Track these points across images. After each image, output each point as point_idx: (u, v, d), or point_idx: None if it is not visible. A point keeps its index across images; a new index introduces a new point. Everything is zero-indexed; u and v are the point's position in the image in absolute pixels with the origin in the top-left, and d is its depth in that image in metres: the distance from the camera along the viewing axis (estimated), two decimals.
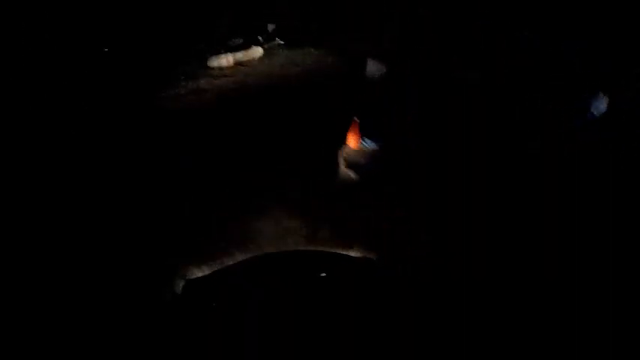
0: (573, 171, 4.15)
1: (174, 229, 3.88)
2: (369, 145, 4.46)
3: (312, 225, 3.85)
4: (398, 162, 4.36)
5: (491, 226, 3.80)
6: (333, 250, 3.71)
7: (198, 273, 3.62)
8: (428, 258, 3.65)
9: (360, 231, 3.80)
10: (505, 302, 3.35)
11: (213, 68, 6.09)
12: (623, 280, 3.41)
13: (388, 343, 3.16)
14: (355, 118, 4.52)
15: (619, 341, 3.12)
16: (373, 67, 5.54)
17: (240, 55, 6.22)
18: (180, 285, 3.55)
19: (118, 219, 3.98)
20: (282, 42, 6.61)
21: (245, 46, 6.37)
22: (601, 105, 4.67)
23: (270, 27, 6.77)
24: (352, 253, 3.68)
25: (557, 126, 4.61)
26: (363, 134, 4.48)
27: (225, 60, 6.14)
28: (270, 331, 3.24)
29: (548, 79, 5.11)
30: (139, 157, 4.58)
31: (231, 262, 3.66)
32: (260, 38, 6.59)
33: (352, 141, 4.48)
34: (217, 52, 6.22)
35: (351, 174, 4.30)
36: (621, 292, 3.34)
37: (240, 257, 3.69)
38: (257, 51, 6.35)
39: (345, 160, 4.40)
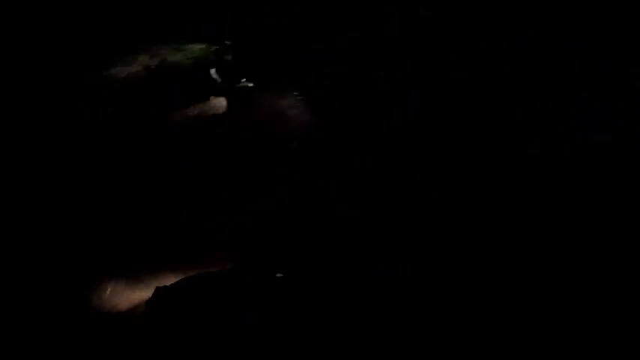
0: (573, 171, 4.14)
1: (171, 234, 3.88)
2: None
3: (311, 226, 3.85)
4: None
5: (491, 227, 3.80)
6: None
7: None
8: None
9: (359, 231, 3.80)
10: (506, 303, 3.35)
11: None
12: (624, 280, 3.41)
13: (388, 344, 3.16)
14: None
15: (619, 342, 3.12)
16: None
17: (195, 112, 3.71)
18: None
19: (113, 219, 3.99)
20: (250, 84, 3.99)
21: (198, 97, 3.76)
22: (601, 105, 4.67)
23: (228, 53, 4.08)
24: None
25: (557, 126, 4.61)
26: None
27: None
28: (269, 331, 3.24)
29: (548, 79, 5.11)
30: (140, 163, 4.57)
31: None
32: (216, 76, 3.94)
33: None
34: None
35: None
36: (622, 292, 3.34)
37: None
38: (218, 103, 3.72)
39: None
